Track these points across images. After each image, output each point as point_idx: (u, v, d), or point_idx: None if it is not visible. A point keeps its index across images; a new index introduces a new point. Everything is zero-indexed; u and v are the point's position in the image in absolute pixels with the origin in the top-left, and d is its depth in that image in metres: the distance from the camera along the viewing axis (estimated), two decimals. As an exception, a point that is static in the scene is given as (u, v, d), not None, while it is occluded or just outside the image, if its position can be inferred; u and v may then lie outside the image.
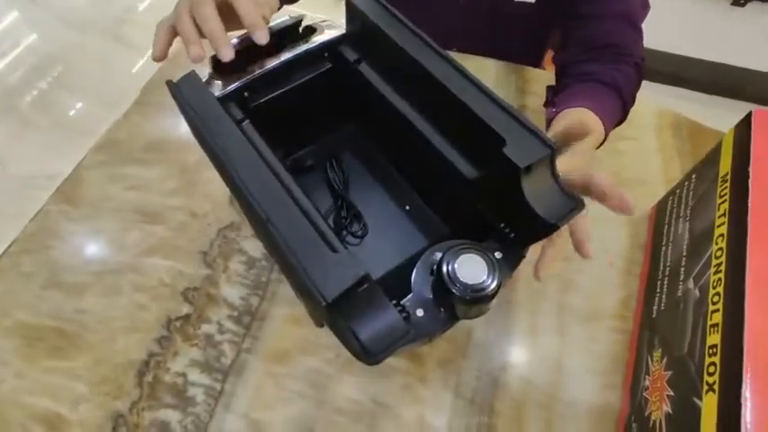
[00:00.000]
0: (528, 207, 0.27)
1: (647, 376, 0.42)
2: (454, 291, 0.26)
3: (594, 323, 0.50)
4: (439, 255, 0.28)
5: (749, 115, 0.41)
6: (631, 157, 0.63)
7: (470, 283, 0.26)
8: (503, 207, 0.29)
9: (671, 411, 0.36)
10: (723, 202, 0.40)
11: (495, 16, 0.70)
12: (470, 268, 0.26)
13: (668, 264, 0.46)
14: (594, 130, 0.46)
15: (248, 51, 0.35)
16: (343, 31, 0.37)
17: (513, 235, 0.29)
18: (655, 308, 0.46)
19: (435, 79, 0.30)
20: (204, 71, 0.35)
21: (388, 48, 0.33)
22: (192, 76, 0.32)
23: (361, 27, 0.35)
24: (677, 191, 0.51)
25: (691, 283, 0.40)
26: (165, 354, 0.48)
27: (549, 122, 0.52)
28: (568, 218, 0.28)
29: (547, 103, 0.58)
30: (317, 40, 0.36)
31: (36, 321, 0.50)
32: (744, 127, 0.41)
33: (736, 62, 1.55)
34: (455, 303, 0.27)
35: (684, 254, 0.44)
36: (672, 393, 0.37)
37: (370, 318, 0.24)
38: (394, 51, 0.32)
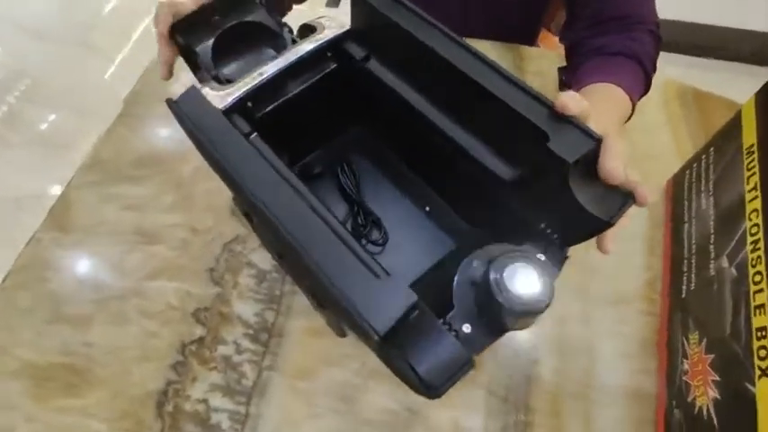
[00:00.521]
0: (577, 205, 0.25)
1: (684, 360, 0.41)
2: (505, 304, 0.24)
3: (621, 307, 0.49)
4: (481, 264, 0.26)
5: (771, 83, 0.39)
6: (639, 132, 0.61)
7: (523, 295, 0.24)
8: (545, 206, 0.28)
9: (719, 397, 0.35)
10: (752, 175, 0.38)
11: None
12: (521, 279, 0.24)
13: (693, 242, 0.45)
14: (619, 104, 0.43)
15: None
16: (347, 27, 0.34)
17: (556, 236, 0.28)
18: (684, 288, 0.44)
19: (460, 72, 0.28)
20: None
21: (401, 41, 0.30)
22: (192, 91, 0.29)
23: (369, 20, 0.33)
24: (694, 164, 0.50)
25: (724, 262, 0.39)
26: (183, 381, 0.46)
27: None
28: (621, 213, 0.26)
29: (562, 86, 0.56)
30: (319, 39, 0.33)
31: (42, 359, 0.47)
32: (765, 95, 0.40)
33: (719, 22, 1.53)
34: (504, 316, 0.25)
35: (712, 231, 0.42)
36: (717, 378, 0.36)
37: (426, 348, 0.22)
38: (409, 45, 0.30)
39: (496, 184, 0.30)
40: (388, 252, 0.38)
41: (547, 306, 0.24)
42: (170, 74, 0.40)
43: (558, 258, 0.28)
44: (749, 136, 0.40)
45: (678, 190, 0.52)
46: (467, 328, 0.26)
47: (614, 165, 0.27)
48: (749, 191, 0.38)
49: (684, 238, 0.47)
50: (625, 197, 0.26)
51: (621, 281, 0.50)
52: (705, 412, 0.36)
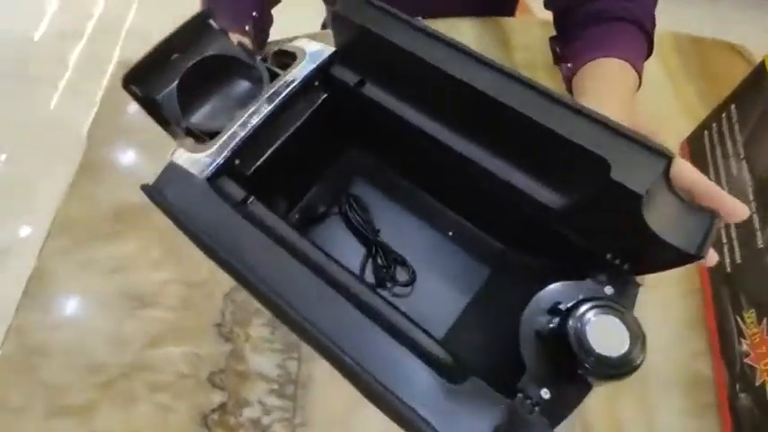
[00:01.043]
0: (654, 237, 0.22)
1: (742, 340, 0.39)
2: (590, 367, 0.20)
3: (662, 289, 0.46)
4: (550, 316, 0.23)
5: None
6: (639, 94, 0.57)
7: (612, 356, 0.20)
8: (610, 235, 0.24)
9: (797, 384, 0.33)
10: (794, 138, 0.35)
11: None
12: (606, 334, 0.20)
13: (730, 210, 0.42)
14: (628, 83, 0.40)
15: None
16: (332, 49, 0.29)
17: (626, 266, 0.24)
18: (728, 261, 0.42)
19: (476, 90, 0.23)
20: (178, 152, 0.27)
21: (397, 59, 0.26)
22: (171, 169, 0.24)
23: (358, 41, 0.27)
24: (713, 124, 0.46)
25: (774, 233, 0.36)
26: (212, 456, 0.42)
27: (568, 81, 0.46)
28: (709, 240, 0.22)
29: (557, 60, 0.51)
30: (303, 68, 0.28)
31: (50, 462, 0.43)
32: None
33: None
34: (591, 379, 0.21)
35: (752, 198, 0.39)
36: (791, 363, 0.33)
37: None
38: (408, 63, 0.25)
39: (541, 210, 0.26)
40: (418, 290, 0.34)
41: (639, 365, 0.20)
42: None
43: (627, 288, 0.24)
44: (781, 91, 0.37)
45: (699, 153, 0.48)
46: (545, 394, 0.22)
47: (696, 176, 0.23)
48: (793, 154, 0.35)
49: (717, 206, 0.44)
50: (709, 217, 0.23)
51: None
52: (782, 400, 0.34)
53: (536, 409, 0.21)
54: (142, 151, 0.58)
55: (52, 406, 0.45)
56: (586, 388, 0.22)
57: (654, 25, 0.47)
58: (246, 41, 0.32)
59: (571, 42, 0.47)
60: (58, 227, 0.54)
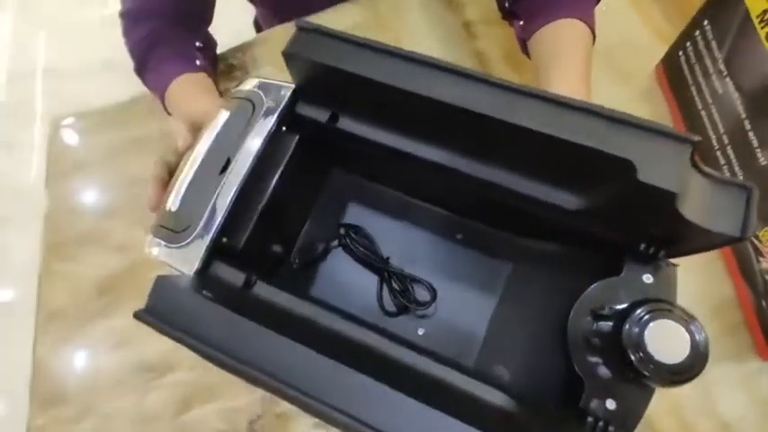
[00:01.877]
0: (694, 227, 0.20)
1: (761, 258, 0.39)
2: (650, 375, 0.20)
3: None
4: (596, 320, 0.22)
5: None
6: (606, 24, 0.55)
7: (673, 363, 0.19)
8: (643, 228, 0.22)
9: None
10: (780, 47, 0.34)
11: None
12: (665, 340, 0.19)
13: (722, 131, 0.41)
14: (585, 43, 0.41)
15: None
16: (292, 86, 0.26)
17: (662, 253, 0.23)
18: (730, 182, 0.41)
19: (467, 111, 0.21)
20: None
21: (372, 92, 0.23)
22: (161, 284, 0.22)
23: (319, 76, 0.24)
24: (687, 43, 0.44)
25: (776, 150, 0.35)
26: (276, 502, 0.42)
27: (523, 42, 0.45)
28: (752, 218, 0.21)
29: (505, 15, 0.49)
30: (267, 116, 0.25)
31: None
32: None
33: None
34: (647, 382, 0.21)
35: (744, 116, 0.38)
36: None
37: None
38: (384, 94, 0.22)
39: (559, 213, 0.24)
40: (441, 305, 0.33)
41: (702, 370, 0.20)
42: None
43: (668, 276, 0.23)
44: (759, 1, 0.35)
45: (676, 75, 0.47)
46: (611, 405, 0.21)
47: None
48: (781, 65, 0.34)
49: (707, 126, 0.43)
50: (745, 192, 0.21)
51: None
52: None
53: (610, 428, 0.20)
54: (104, 217, 0.54)
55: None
56: (650, 392, 0.22)
57: None
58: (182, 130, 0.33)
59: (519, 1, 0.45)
60: (45, 320, 0.51)
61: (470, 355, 0.30)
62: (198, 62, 0.47)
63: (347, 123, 0.26)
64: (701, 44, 0.42)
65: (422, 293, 0.33)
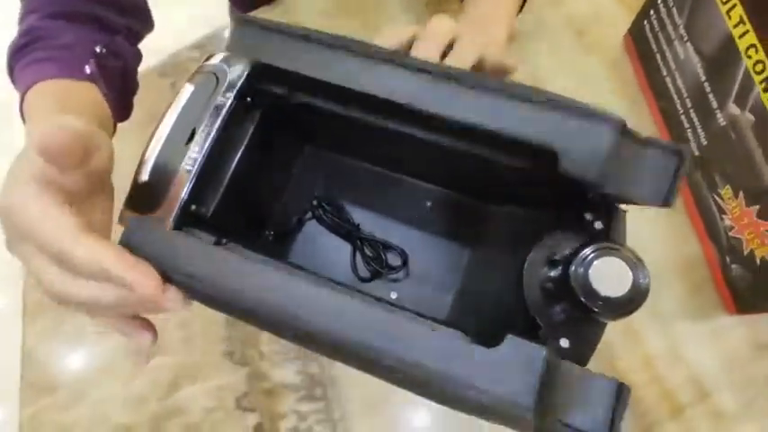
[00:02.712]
0: (613, 197, 0.21)
1: (723, 216, 0.40)
2: (599, 310, 0.21)
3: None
4: (551, 267, 0.23)
5: None
6: (574, 1, 0.56)
7: (617, 296, 0.20)
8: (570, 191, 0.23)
9: (782, 246, 0.34)
10: (732, 8, 0.35)
11: None
12: (609, 276, 0.21)
13: (685, 95, 0.43)
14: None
15: None
16: (247, 65, 0.26)
17: (612, 200, 0.24)
18: (694, 144, 0.42)
19: (401, 105, 0.22)
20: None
21: (315, 86, 0.24)
22: (134, 227, 0.23)
23: (266, 68, 0.25)
24: (651, 12, 0.45)
25: (734, 109, 0.37)
26: (264, 475, 0.43)
27: None
28: (677, 186, 0.22)
29: None
30: (228, 90, 0.26)
31: None
32: None
33: None
34: (599, 318, 0.22)
35: (704, 79, 0.40)
36: (772, 228, 0.35)
37: (577, 399, 0.19)
38: (327, 89, 0.23)
39: (512, 170, 0.25)
40: (413, 269, 0.34)
41: (646, 296, 0.21)
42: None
43: (617, 220, 0.25)
44: (710, -36, 0.36)
45: (642, 44, 0.48)
46: (564, 343, 0.23)
47: None
48: (735, 26, 0.35)
49: (672, 91, 0.44)
50: (675, 159, 0.22)
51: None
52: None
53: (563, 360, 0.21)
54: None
55: (93, 480, 0.45)
56: (601, 327, 0.23)
57: None
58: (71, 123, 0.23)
59: None
60: (31, 312, 0.51)
61: (441, 315, 0.31)
62: (88, 70, 0.36)
63: (306, 97, 0.27)
64: (663, 12, 0.43)
65: (394, 259, 0.34)
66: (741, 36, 0.34)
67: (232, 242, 0.24)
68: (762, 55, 0.33)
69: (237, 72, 0.26)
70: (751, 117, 0.35)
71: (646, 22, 0.47)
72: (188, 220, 0.25)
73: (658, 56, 0.45)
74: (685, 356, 0.42)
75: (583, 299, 0.21)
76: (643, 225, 0.45)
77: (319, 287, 0.21)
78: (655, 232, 0.45)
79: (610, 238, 0.23)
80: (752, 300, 0.39)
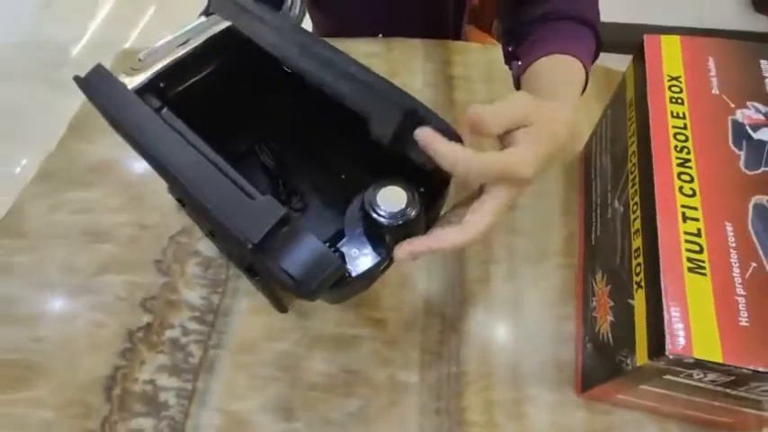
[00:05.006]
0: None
1: (593, 298, 0.45)
2: (378, 219, 0.27)
3: (542, 262, 0.52)
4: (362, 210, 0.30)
5: (642, 42, 0.44)
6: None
7: (394, 210, 0.27)
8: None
9: (613, 319, 0.38)
10: (632, 124, 0.43)
11: None
12: (391, 197, 0.28)
13: (598, 195, 0.49)
14: (575, 77, 0.42)
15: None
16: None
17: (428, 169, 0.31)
18: (593, 236, 0.48)
19: (294, 73, 0.32)
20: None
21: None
22: (99, 69, 0.33)
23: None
24: (598, 129, 0.54)
25: (617, 203, 0.43)
26: (131, 365, 0.48)
27: (517, 80, 0.48)
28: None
29: (508, 59, 0.52)
30: (224, 24, 0.37)
31: (-8, 358, 0.49)
32: (640, 53, 0.45)
33: (648, 20, 1.66)
34: (386, 235, 0.28)
35: (609, 179, 0.47)
36: (613, 304, 0.39)
37: (296, 253, 0.25)
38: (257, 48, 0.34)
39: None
40: (308, 216, 0.41)
41: (418, 218, 0.27)
42: None
43: (436, 187, 0.32)
44: (630, 92, 0.45)
45: (588, 153, 0.56)
46: (354, 252, 0.29)
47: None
48: (630, 137, 0.43)
49: (593, 193, 0.51)
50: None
51: (542, 239, 0.54)
52: (604, 336, 0.39)
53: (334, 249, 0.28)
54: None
55: (2, 315, 0.51)
56: (388, 254, 0.29)
57: (599, 24, 0.48)
58: None
59: (521, 41, 0.49)
60: (40, 175, 0.62)
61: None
62: None
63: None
64: (603, 129, 0.52)
65: (295, 204, 0.42)
66: (631, 145, 0.42)
67: (170, 113, 0.33)
68: (636, 159, 0.40)
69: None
70: (622, 209, 0.41)
71: (595, 137, 0.55)
72: (151, 90, 0.35)
73: (594, 163, 0.53)
74: (525, 420, 0.44)
75: (372, 214, 0.28)
76: (534, 295, 0.50)
77: (185, 143, 0.29)
78: (542, 305, 0.49)
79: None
80: (591, 374, 0.42)
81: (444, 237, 0.29)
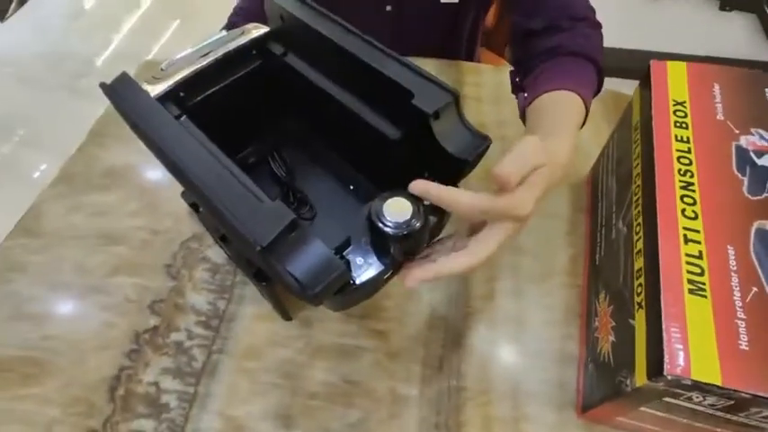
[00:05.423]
0: (441, 149, 0.30)
1: (595, 318, 0.45)
2: (383, 229, 0.28)
3: (547, 281, 0.52)
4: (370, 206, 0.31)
5: (649, 68, 0.45)
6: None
7: (399, 220, 0.28)
8: (423, 156, 0.32)
9: (614, 339, 0.39)
10: (637, 147, 0.44)
11: (422, 19, 0.74)
12: (397, 208, 0.29)
13: (603, 216, 0.50)
14: (575, 114, 0.45)
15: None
16: (268, 29, 0.40)
17: (436, 180, 0.32)
18: (597, 257, 0.49)
19: (349, 53, 0.33)
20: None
21: (307, 35, 0.36)
22: (124, 77, 0.34)
23: (283, 21, 0.38)
24: (605, 151, 0.55)
25: (621, 224, 0.44)
26: (135, 366, 0.49)
27: (523, 112, 0.50)
28: (479, 154, 0.30)
29: (515, 89, 0.55)
30: (244, 38, 0.39)
31: (1, 353, 0.50)
32: (646, 78, 0.46)
33: (656, 47, 1.68)
34: (391, 245, 0.29)
35: (614, 201, 0.47)
36: (614, 324, 0.39)
37: (303, 257, 0.26)
38: (312, 36, 0.36)
39: (388, 144, 0.35)
40: (315, 225, 0.42)
41: (422, 229, 0.28)
42: None
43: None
44: (636, 115, 0.46)
45: (594, 175, 0.57)
46: (359, 261, 0.30)
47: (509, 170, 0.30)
48: (634, 159, 0.43)
49: (599, 214, 0.52)
50: (482, 141, 0.31)
51: (548, 258, 0.54)
52: (605, 356, 0.39)
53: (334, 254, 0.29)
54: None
55: (15, 311, 0.53)
56: (393, 263, 0.30)
57: (602, 61, 0.51)
58: None
59: (529, 75, 0.52)
60: (59, 178, 0.65)
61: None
62: None
63: (293, 59, 0.39)
64: (610, 151, 0.53)
65: (304, 213, 0.43)
66: (635, 167, 0.43)
67: (188, 120, 0.35)
68: (640, 181, 0.41)
69: (257, 30, 0.39)
70: (625, 230, 0.42)
71: (601, 159, 0.56)
72: (172, 98, 0.36)
73: (600, 185, 0.54)
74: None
75: (377, 223, 0.29)
76: (538, 314, 0.50)
77: (203, 149, 0.31)
78: (546, 324, 0.50)
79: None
80: (592, 395, 0.41)
81: (450, 263, 0.31)
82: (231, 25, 0.65)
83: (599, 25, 0.54)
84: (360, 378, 0.47)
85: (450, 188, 0.30)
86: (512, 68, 0.58)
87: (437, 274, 0.31)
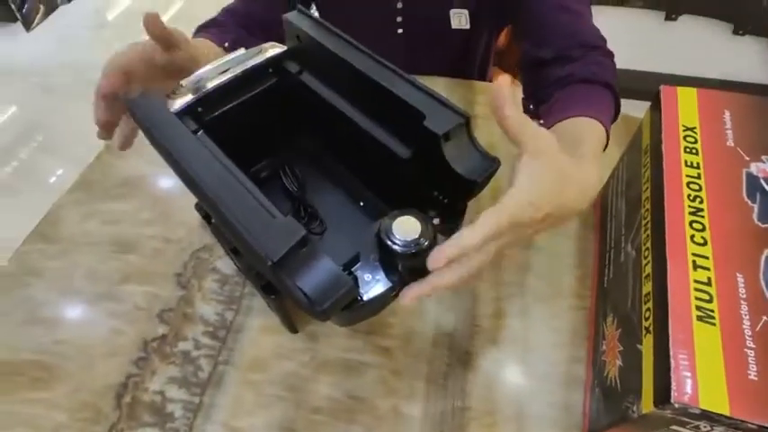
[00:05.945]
0: (451, 170, 0.31)
1: (603, 341, 0.44)
2: (392, 246, 0.29)
3: (555, 302, 0.52)
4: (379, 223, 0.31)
5: (659, 92, 0.46)
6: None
7: (408, 239, 0.29)
8: (433, 176, 0.33)
9: (621, 364, 0.38)
10: (646, 170, 0.44)
11: (434, 43, 0.75)
12: (406, 227, 0.29)
13: (612, 238, 0.50)
14: (597, 140, 0.44)
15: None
16: (285, 48, 0.41)
17: (446, 200, 0.33)
18: (606, 279, 0.48)
19: (362, 74, 0.34)
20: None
21: (323, 55, 0.37)
22: (145, 92, 0.36)
23: (299, 41, 0.40)
24: (615, 173, 0.55)
25: (629, 247, 0.43)
26: (142, 374, 0.49)
27: None
28: (488, 175, 0.31)
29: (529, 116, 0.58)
30: (261, 56, 0.40)
31: (14, 357, 0.51)
32: (656, 102, 0.46)
33: (669, 70, 1.68)
34: (399, 263, 0.29)
35: (623, 223, 0.47)
36: (622, 348, 0.39)
37: (313, 272, 0.26)
38: (327, 56, 0.37)
39: (399, 163, 0.35)
40: (325, 240, 0.43)
41: (431, 247, 0.29)
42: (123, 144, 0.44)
43: (452, 218, 0.33)
44: (646, 139, 0.46)
45: (604, 197, 0.57)
46: (367, 277, 0.30)
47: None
48: (644, 183, 0.43)
49: (607, 236, 0.52)
50: (491, 163, 0.32)
51: (556, 279, 0.54)
52: (612, 381, 0.39)
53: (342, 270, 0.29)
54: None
55: (28, 315, 0.54)
56: (400, 281, 0.30)
57: (616, 86, 0.51)
58: None
59: (542, 104, 0.52)
60: (77, 185, 0.66)
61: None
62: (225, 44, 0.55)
63: (308, 78, 0.40)
64: (620, 173, 0.53)
65: (315, 228, 0.44)
66: (645, 190, 0.43)
67: (204, 135, 0.36)
68: (649, 205, 0.41)
69: (274, 49, 0.40)
70: (634, 254, 0.42)
71: (611, 180, 0.56)
72: (190, 113, 0.38)
73: (609, 207, 0.54)
74: (528, 456, 0.43)
75: (386, 241, 0.29)
76: (545, 336, 0.49)
77: (218, 164, 0.32)
78: (553, 346, 0.49)
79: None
80: (598, 420, 0.41)
81: (442, 276, 0.30)
82: (216, 24, 0.63)
83: (611, 54, 0.55)
84: (363, 394, 0.47)
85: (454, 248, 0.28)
86: (522, 96, 0.59)
87: (432, 287, 0.30)
